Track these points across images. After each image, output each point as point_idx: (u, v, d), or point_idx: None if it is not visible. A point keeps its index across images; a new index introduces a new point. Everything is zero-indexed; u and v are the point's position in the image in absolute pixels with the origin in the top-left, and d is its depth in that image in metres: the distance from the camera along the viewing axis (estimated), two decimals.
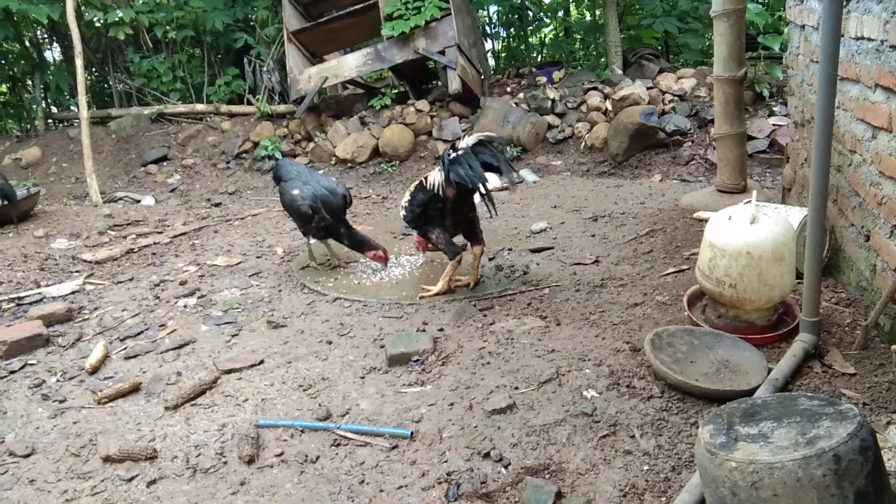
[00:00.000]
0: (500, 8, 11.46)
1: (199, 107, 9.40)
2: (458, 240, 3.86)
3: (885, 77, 2.55)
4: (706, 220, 3.14)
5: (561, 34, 12.08)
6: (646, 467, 2.18)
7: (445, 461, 2.29)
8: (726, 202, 4.21)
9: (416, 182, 3.78)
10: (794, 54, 4.17)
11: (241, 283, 4.22)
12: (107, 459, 2.44)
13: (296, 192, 4.18)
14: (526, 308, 3.54)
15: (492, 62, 11.50)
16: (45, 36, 10.39)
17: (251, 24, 9.92)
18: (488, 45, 11.62)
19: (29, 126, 10.09)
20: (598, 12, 10.66)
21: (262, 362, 3.12)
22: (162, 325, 3.66)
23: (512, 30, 11.97)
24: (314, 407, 2.70)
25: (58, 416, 2.80)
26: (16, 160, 8.74)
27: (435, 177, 3.58)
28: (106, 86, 10.52)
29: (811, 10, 3.59)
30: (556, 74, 8.66)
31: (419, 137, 8.08)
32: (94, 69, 10.29)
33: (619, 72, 8.56)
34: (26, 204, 6.09)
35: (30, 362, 3.30)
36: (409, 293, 3.84)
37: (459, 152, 3.47)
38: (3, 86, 10.43)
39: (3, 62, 9.78)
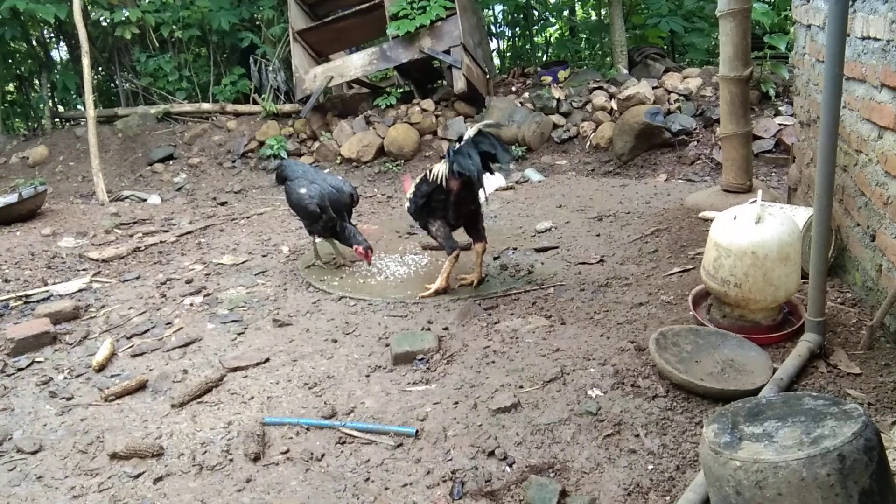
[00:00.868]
0: (505, 7, 11.46)
1: (205, 106, 9.44)
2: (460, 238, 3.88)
3: (891, 77, 2.55)
4: (711, 220, 3.14)
5: (566, 34, 12.08)
6: (650, 466, 2.19)
7: (450, 459, 2.30)
8: (732, 202, 4.20)
9: (421, 174, 3.80)
10: (799, 54, 4.16)
11: (246, 282, 4.23)
12: (114, 456, 2.45)
13: (303, 190, 4.19)
14: (531, 307, 3.54)
15: (497, 62, 11.51)
16: (52, 35, 10.45)
17: (257, 23, 9.95)
18: (493, 44, 11.63)
19: (36, 125, 10.15)
20: (603, 12, 10.65)
21: (267, 360, 3.14)
22: (168, 324, 3.67)
23: (517, 29, 11.98)
24: (319, 405, 2.71)
25: (65, 413, 2.81)
26: (23, 159, 8.80)
27: (439, 168, 3.60)
28: (112, 85, 10.57)
29: (817, 10, 3.59)
30: (562, 74, 8.66)
31: (424, 137, 8.09)
32: (100, 68, 10.34)
33: (625, 71, 8.55)
34: (33, 202, 6.13)
35: (37, 360, 3.32)
36: (414, 292, 3.85)
37: (462, 143, 3.50)
38: (11, 85, 10.49)
39: (10, 61, 9.83)
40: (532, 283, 3.88)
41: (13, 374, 3.19)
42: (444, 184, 3.58)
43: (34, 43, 10.07)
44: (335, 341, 3.30)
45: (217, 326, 3.59)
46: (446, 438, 2.42)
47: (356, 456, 2.37)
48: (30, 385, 3.07)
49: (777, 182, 6.12)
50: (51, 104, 10.16)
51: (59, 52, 10.80)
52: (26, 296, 4.18)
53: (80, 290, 4.26)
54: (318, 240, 4.46)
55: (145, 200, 7.34)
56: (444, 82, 9.25)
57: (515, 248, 4.53)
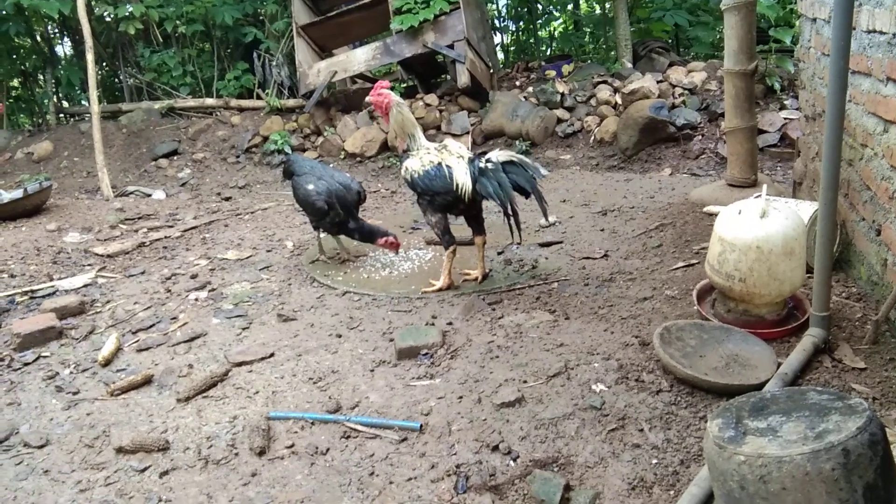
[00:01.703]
0: (509, 1, 11.43)
1: (209, 101, 9.43)
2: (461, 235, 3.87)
3: None
4: (716, 215, 3.14)
5: (570, 27, 12.03)
6: (654, 461, 2.19)
7: (454, 454, 2.31)
8: (736, 196, 4.19)
9: (435, 159, 3.64)
10: (805, 47, 4.14)
11: (251, 277, 4.24)
12: (120, 450, 2.47)
13: (310, 186, 4.18)
14: (535, 302, 3.54)
15: (501, 56, 11.47)
16: (56, 31, 10.45)
17: (260, 18, 9.94)
18: (497, 38, 11.59)
19: (41, 120, 10.16)
20: (607, 5, 10.61)
21: (272, 355, 3.15)
22: (173, 318, 3.69)
23: (521, 23, 11.93)
24: (324, 399, 2.72)
25: (71, 407, 2.83)
26: (28, 154, 8.81)
27: (462, 178, 3.53)
28: (116, 80, 10.57)
29: (823, 3, 3.57)
30: (566, 68, 8.63)
31: (428, 131, 8.07)
32: (104, 64, 10.34)
33: (629, 65, 8.52)
34: (38, 198, 6.14)
35: (43, 354, 3.34)
36: (418, 287, 3.85)
37: (489, 165, 3.47)
38: (15, 80, 10.50)
39: (14, 57, 9.83)
40: (536, 277, 3.88)
41: (19, 368, 3.21)
42: (463, 196, 3.55)
43: (38, 38, 10.08)
44: (339, 336, 3.31)
45: (222, 321, 3.60)
46: (450, 433, 2.43)
47: (361, 450, 2.38)
48: (36, 380, 3.08)
49: (782, 176, 6.10)
50: (55, 100, 10.17)
51: (64, 48, 10.81)
52: (32, 291, 4.20)
53: (85, 286, 4.27)
54: (322, 234, 4.46)
55: (150, 196, 7.35)
56: (448, 77, 9.23)
57: (519, 243, 4.53)
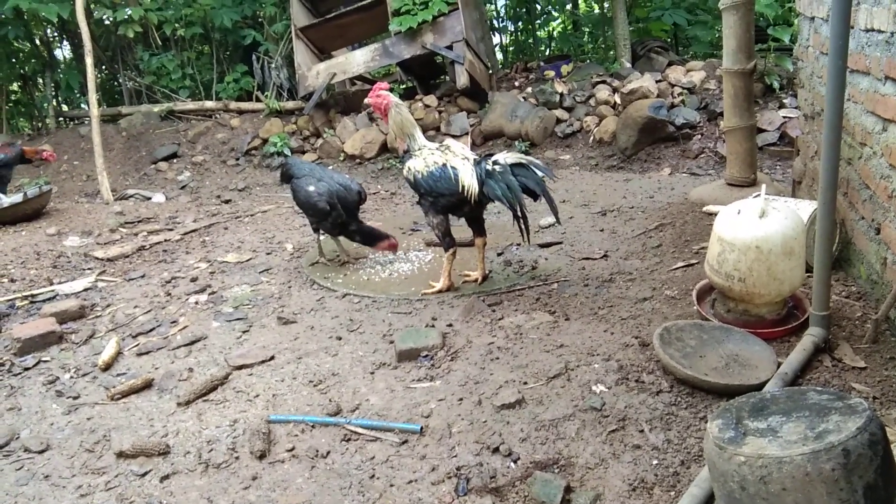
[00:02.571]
0: (507, 2, 11.43)
1: (209, 104, 9.44)
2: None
3: (895, 69, 2.53)
4: (716, 214, 3.13)
5: (569, 27, 12.04)
6: (655, 461, 2.19)
7: (455, 456, 2.30)
8: (736, 196, 4.19)
9: (439, 160, 3.61)
10: (804, 46, 4.14)
11: (251, 280, 4.24)
12: (120, 455, 2.47)
13: (312, 188, 4.18)
14: (535, 303, 3.54)
15: (500, 56, 11.47)
16: (56, 34, 10.46)
17: (259, 20, 9.95)
18: (496, 39, 11.60)
19: (40, 124, 10.17)
20: (606, 5, 10.61)
21: (272, 358, 3.15)
22: (173, 322, 3.69)
23: (520, 23, 11.94)
24: (324, 402, 2.72)
25: (72, 412, 2.83)
26: None
27: (469, 180, 3.50)
28: (116, 83, 10.58)
29: (821, 2, 3.57)
30: (565, 68, 8.63)
31: (427, 133, 8.07)
32: (104, 67, 10.36)
33: (628, 65, 8.52)
34: (38, 202, 6.15)
35: (44, 359, 3.34)
36: (418, 289, 3.85)
37: (497, 168, 3.46)
38: (15, 84, 10.51)
39: (14, 61, 9.84)
40: (536, 278, 3.88)
41: (20, 373, 3.21)
42: (469, 198, 3.54)
43: (38, 42, 10.08)
44: (340, 339, 3.31)
45: (222, 324, 3.60)
46: (451, 435, 2.43)
47: (361, 453, 2.38)
48: (36, 384, 3.09)
49: (782, 175, 6.10)
50: (55, 103, 10.18)
51: (63, 52, 10.83)
52: (32, 295, 4.20)
53: (85, 290, 4.28)
54: (321, 237, 4.46)
55: (150, 199, 7.35)
56: (447, 78, 9.24)
57: (519, 244, 4.53)
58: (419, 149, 3.72)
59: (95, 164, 7.38)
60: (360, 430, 2.50)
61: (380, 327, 3.40)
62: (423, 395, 2.71)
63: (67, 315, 3.77)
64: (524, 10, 11.43)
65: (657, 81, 7.70)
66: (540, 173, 3.45)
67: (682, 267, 3.77)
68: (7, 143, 7.21)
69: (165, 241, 5.29)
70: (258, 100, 9.46)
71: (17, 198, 6.10)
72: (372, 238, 4.25)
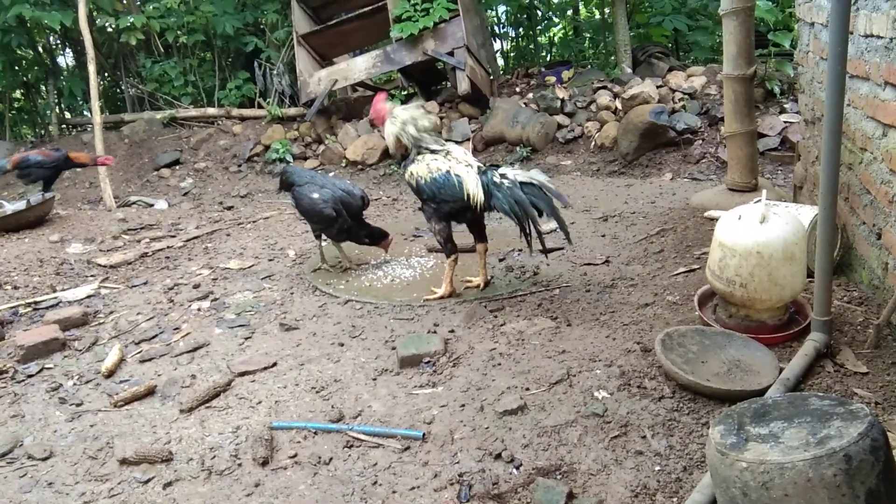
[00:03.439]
0: (508, 8, 11.46)
1: (211, 111, 9.48)
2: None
3: (894, 75, 2.54)
4: (717, 219, 3.14)
5: (570, 33, 12.07)
6: (657, 468, 2.19)
7: (457, 462, 2.31)
8: (737, 201, 4.20)
9: (443, 166, 3.60)
10: (803, 51, 4.15)
11: (253, 286, 4.25)
12: (123, 462, 2.47)
13: (316, 195, 4.18)
14: (536, 309, 3.55)
15: (501, 62, 11.51)
16: (58, 42, 10.52)
17: (261, 27, 9.99)
18: (497, 45, 11.63)
19: (43, 131, 10.22)
20: (606, 11, 10.64)
21: (275, 365, 3.15)
22: (176, 329, 3.70)
23: (521, 29, 11.98)
24: (327, 409, 2.72)
25: (75, 419, 2.83)
26: None
27: (474, 189, 3.50)
28: (118, 91, 10.63)
29: (820, 8, 3.58)
30: (566, 74, 8.66)
31: None
32: (106, 74, 10.40)
33: (629, 70, 8.54)
34: (41, 209, 6.16)
35: (47, 366, 3.34)
36: (420, 295, 3.86)
37: (505, 182, 3.46)
38: (18, 92, 10.56)
39: (16, 68, 9.89)
40: (538, 284, 3.88)
41: (23, 380, 3.21)
42: (475, 206, 3.55)
43: (40, 50, 10.14)
44: (342, 345, 3.32)
45: (224, 331, 3.61)
46: (453, 441, 2.43)
47: (364, 459, 2.38)
48: (40, 391, 3.09)
49: (783, 180, 6.11)
50: (57, 111, 10.22)
51: (66, 59, 10.88)
52: (35, 302, 4.21)
53: (88, 297, 4.28)
54: (324, 243, 4.47)
55: (152, 206, 7.37)
56: (448, 84, 9.27)
57: (521, 250, 4.54)
58: (422, 153, 3.70)
59: (98, 171, 7.40)
60: (362, 437, 2.50)
61: (382, 333, 3.41)
62: (426, 402, 2.71)
63: (70, 322, 3.78)
64: (525, 15, 11.48)
65: (658, 87, 7.72)
66: (550, 197, 3.45)
67: (684, 272, 3.78)
68: (54, 149, 7.21)
69: (168, 247, 5.30)
70: (260, 106, 9.50)
71: (20, 205, 6.11)
72: (378, 237, 4.37)
